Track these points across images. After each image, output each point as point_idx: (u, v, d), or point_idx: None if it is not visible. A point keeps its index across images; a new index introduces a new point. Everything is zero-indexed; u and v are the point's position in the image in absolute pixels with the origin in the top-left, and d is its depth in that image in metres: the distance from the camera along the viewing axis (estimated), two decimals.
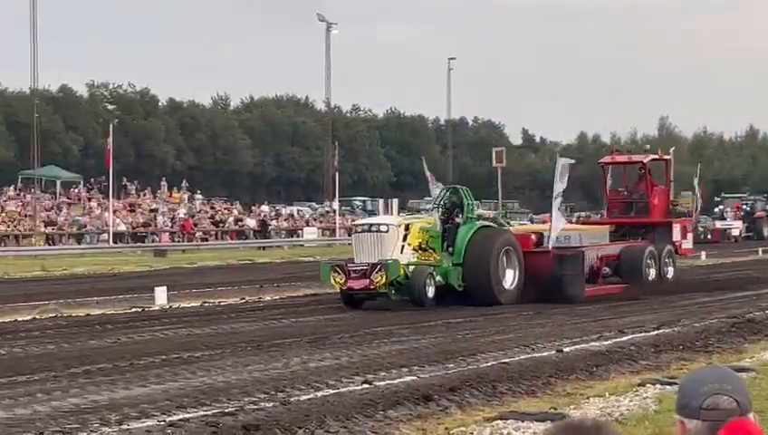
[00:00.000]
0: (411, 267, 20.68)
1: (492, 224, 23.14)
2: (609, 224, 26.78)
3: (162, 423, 9.28)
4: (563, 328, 17.17)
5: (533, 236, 23.30)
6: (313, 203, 75.75)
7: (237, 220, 59.44)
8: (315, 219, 65.37)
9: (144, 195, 61.89)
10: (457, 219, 21.97)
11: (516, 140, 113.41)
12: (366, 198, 76.94)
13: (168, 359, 13.46)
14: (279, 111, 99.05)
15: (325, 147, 76.42)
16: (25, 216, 52.57)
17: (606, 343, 15.04)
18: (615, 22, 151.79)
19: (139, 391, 11.08)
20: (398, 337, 16.01)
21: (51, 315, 18.76)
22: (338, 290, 20.91)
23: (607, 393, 10.83)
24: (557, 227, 22.79)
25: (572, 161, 23.66)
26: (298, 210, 68.41)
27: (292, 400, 10.46)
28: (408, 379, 11.83)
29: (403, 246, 20.99)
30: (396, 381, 11.61)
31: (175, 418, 9.49)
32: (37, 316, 18.75)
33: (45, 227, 51.11)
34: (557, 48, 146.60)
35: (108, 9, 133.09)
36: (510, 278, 21.71)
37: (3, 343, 15.15)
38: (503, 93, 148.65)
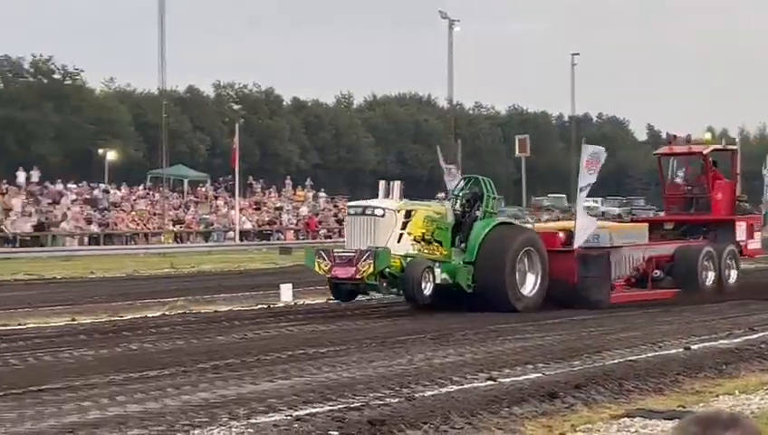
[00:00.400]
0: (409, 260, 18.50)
1: (513, 221, 21.34)
2: (668, 221, 24.69)
3: (289, 418, 9.38)
4: (691, 326, 16.90)
5: (561, 235, 20.74)
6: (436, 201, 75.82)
7: None
8: None
9: (269, 193, 62.59)
10: (476, 213, 19.81)
11: (641, 136, 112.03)
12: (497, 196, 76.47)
13: (293, 355, 13.60)
14: (401, 109, 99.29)
15: (447, 144, 76.39)
16: (154, 214, 53.63)
17: (736, 340, 14.78)
18: (741, 15, 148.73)
19: (266, 385, 11.22)
20: (521, 334, 15.94)
21: (180, 312, 19.09)
22: (325, 277, 18.94)
23: (737, 391, 10.64)
24: (583, 224, 20.48)
25: (602, 149, 21.14)
26: None
27: (416, 395, 10.49)
28: (532, 376, 11.77)
29: (401, 235, 18.63)
30: (521, 378, 11.57)
31: (301, 412, 9.59)
32: (167, 312, 19.10)
33: (173, 225, 52.06)
34: (683, 42, 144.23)
35: (233, 10, 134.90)
36: (530, 283, 19.45)
37: (134, 338, 15.48)
38: (627, 89, 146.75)
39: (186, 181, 63.17)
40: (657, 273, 21.88)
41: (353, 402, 10.11)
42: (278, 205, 59.51)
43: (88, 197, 54.17)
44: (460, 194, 20.28)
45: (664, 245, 22.67)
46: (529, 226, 22.11)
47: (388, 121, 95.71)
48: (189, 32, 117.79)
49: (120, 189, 57.36)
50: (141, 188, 59.75)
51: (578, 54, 79.90)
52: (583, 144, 21.36)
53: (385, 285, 18.39)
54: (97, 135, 77.80)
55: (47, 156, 71.55)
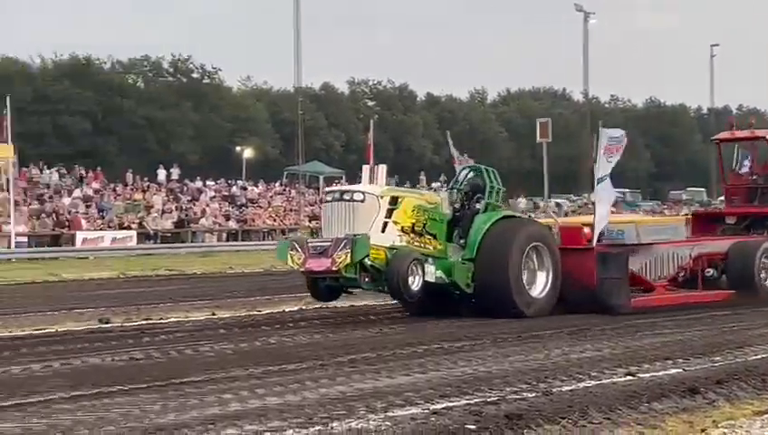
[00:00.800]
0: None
1: (520, 215, 19.31)
2: (729, 214, 22.64)
3: (426, 411, 9.41)
4: None
5: (586, 230, 18.26)
6: (571, 195, 75.15)
7: None
8: (573, 211, 64.77)
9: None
10: (477, 205, 17.95)
11: None
12: (625, 190, 75.71)
13: (429, 349, 13.62)
14: (536, 103, 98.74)
15: (583, 138, 75.60)
16: (290, 210, 54.29)
17: None
18: None
19: (403, 379, 11.26)
20: (660, 329, 15.70)
21: (316, 306, 19.27)
22: (300, 272, 16.97)
23: None
24: (602, 218, 18.21)
25: (623, 132, 18.82)
26: (556, 202, 68.03)
27: (553, 390, 10.42)
28: (672, 371, 11.59)
29: (386, 224, 16.56)
30: (660, 374, 11.39)
31: (438, 406, 9.60)
32: (303, 307, 19.31)
33: (309, 221, 52.62)
34: None
35: (367, 7, 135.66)
36: (541, 283, 17.44)
37: (272, 332, 15.68)
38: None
39: (321, 177, 63.82)
40: (710, 272, 19.73)
41: (490, 397, 10.09)
42: None
43: (226, 193, 55.13)
44: (461, 185, 18.38)
45: (715, 241, 20.62)
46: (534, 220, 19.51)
47: (523, 116, 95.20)
48: (324, 29, 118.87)
49: (257, 186, 58.22)
50: (278, 184, 60.54)
51: (717, 45, 78.60)
52: (601, 128, 19.27)
53: (367, 279, 16.39)
54: (234, 133, 79.14)
55: (186, 154, 73.03)
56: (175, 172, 57.37)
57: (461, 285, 17.08)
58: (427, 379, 11.26)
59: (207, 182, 56.74)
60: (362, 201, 16.44)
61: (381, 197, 16.66)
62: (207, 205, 51.26)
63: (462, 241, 17.45)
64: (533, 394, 10.21)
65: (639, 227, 19.26)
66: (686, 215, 26.27)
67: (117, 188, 51.85)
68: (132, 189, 51.70)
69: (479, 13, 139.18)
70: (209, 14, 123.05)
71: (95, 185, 51.51)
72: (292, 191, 58.05)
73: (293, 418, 9.18)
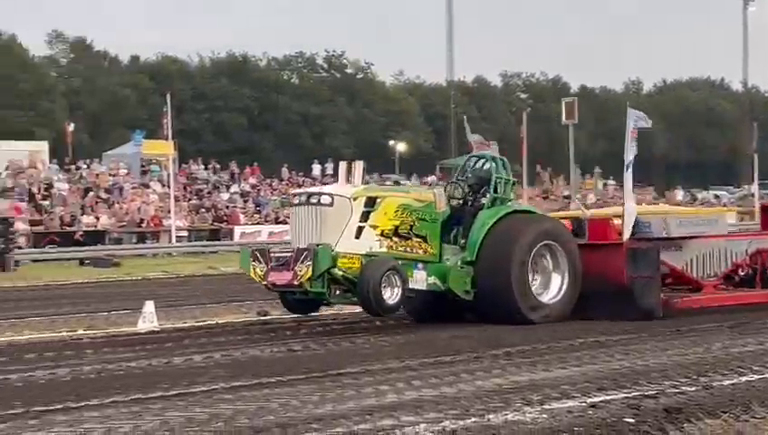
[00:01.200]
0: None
1: (532, 209, 17.30)
2: None
3: (583, 404, 9.34)
4: None
5: (617, 222, 16.39)
6: (731, 187, 73.58)
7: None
8: (732, 203, 63.46)
9: (557, 182, 62.37)
10: (483, 200, 16.11)
11: None
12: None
13: (585, 342, 13.51)
14: (693, 94, 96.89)
15: (742, 128, 73.96)
16: None
17: None
18: None
19: (559, 372, 11.19)
20: None
21: None
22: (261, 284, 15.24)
23: None
24: (631, 210, 16.32)
25: (644, 115, 17.14)
26: (715, 195, 66.70)
27: (714, 384, 10.23)
28: None
29: (361, 229, 14.85)
30: None
31: (595, 399, 9.53)
32: None
33: None
34: None
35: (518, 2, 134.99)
36: (555, 286, 15.70)
37: (427, 325, 15.69)
38: None
39: None
40: None
41: (648, 390, 9.95)
42: (566, 193, 59.19)
43: None
44: (465, 177, 16.54)
45: None
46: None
47: (679, 106, 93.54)
48: (477, 23, 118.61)
49: (409, 180, 58.49)
50: (431, 178, 60.69)
51: None
52: (629, 108, 17.11)
53: (338, 292, 14.80)
54: (387, 127, 79.64)
55: (340, 148, 73.82)
56: (329, 167, 58.03)
57: (458, 293, 15.31)
58: (584, 372, 11.17)
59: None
60: (330, 205, 14.78)
61: (354, 199, 14.90)
62: None
63: (463, 241, 15.64)
64: (693, 388, 10.05)
65: (669, 220, 17.03)
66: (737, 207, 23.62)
67: (273, 184, 52.67)
68: (288, 184, 52.47)
69: (634, 2, 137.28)
70: (363, 10, 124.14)
71: (252, 180, 52.47)
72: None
73: (449, 410, 9.21)
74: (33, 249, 36.95)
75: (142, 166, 49.07)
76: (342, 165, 16.07)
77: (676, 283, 16.98)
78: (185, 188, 48.05)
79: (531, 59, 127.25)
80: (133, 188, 45.10)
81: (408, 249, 15.16)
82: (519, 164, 55.17)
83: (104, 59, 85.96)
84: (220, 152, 63.72)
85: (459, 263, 15.41)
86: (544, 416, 8.90)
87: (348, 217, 14.78)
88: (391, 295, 14.48)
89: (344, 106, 79.89)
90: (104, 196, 43.12)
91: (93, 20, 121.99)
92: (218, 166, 53.44)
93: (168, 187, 43.05)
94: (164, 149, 44.44)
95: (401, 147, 73.10)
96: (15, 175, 42.77)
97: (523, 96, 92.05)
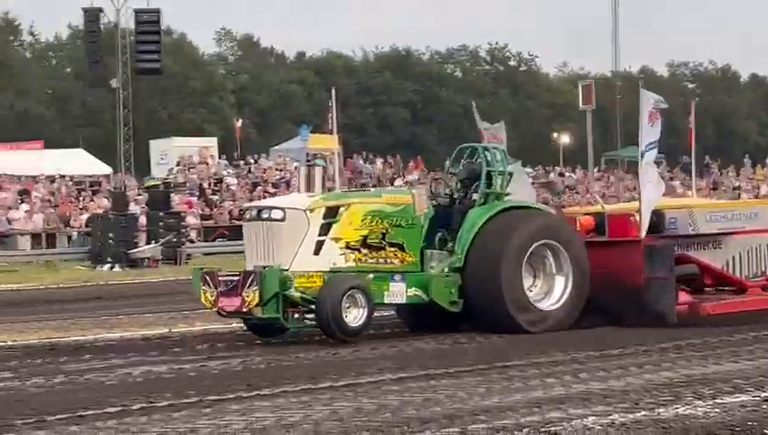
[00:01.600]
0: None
1: (530, 205, 14.87)
2: None
3: (757, 399, 9.14)
4: None
5: (634, 218, 14.62)
6: None
7: None
8: None
9: (727, 173, 61.02)
10: (474, 197, 14.45)
11: None
12: None
13: (758, 336, 13.23)
14: None
15: None
16: (610, 196, 53.69)
17: None
18: None
19: (731, 366, 10.99)
20: None
21: None
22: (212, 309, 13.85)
23: None
24: (650, 200, 14.56)
25: (660, 97, 15.41)
26: None
27: None
28: None
29: (321, 243, 13.37)
30: None
31: None
32: None
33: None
34: None
35: None
36: (558, 291, 14.07)
37: (592, 319, 15.49)
38: None
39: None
40: None
41: None
42: (735, 184, 57.84)
43: (544, 181, 55.18)
44: (456, 171, 15.06)
45: None
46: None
47: None
48: (644, 11, 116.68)
49: (574, 172, 58.01)
50: (596, 170, 60.06)
51: None
52: (641, 89, 15.88)
53: (296, 316, 13.24)
54: (551, 119, 79.10)
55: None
56: None
57: (442, 304, 13.75)
58: (757, 366, 10.95)
59: (526, 169, 56.96)
60: (282, 220, 13.30)
61: (310, 211, 13.39)
62: None
63: (451, 245, 14.01)
64: None
65: (696, 213, 15.18)
66: None
67: (437, 177, 52.79)
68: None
69: None
70: (528, 2, 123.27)
71: (416, 174, 52.71)
72: (611, 177, 57.43)
73: (618, 403, 9.12)
74: (204, 243, 37.82)
75: (308, 160, 49.77)
76: (302, 170, 14.85)
77: (720, 284, 15.28)
78: (350, 182, 48.59)
79: (698, 48, 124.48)
80: None
81: (381, 260, 13.67)
82: (687, 155, 54.30)
83: (270, 55, 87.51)
84: (384, 146, 64.21)
85: (446, 270, 13.85)
86: (716, 410, 8.74)
87: (304, 231, 13.32)
88: (356, 317, 13.15)
89: (507, 98, 79.65)
90: (271, 190, 43.90)
91: (260, 18, 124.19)
92: (382, 160, 53.84)
93: (333, 181, 43.55)
94: (329, 143, 44.93)
95: (565, 138, 72.45)
96: (187, 170, 43.91)
97: (691, 86, 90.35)
